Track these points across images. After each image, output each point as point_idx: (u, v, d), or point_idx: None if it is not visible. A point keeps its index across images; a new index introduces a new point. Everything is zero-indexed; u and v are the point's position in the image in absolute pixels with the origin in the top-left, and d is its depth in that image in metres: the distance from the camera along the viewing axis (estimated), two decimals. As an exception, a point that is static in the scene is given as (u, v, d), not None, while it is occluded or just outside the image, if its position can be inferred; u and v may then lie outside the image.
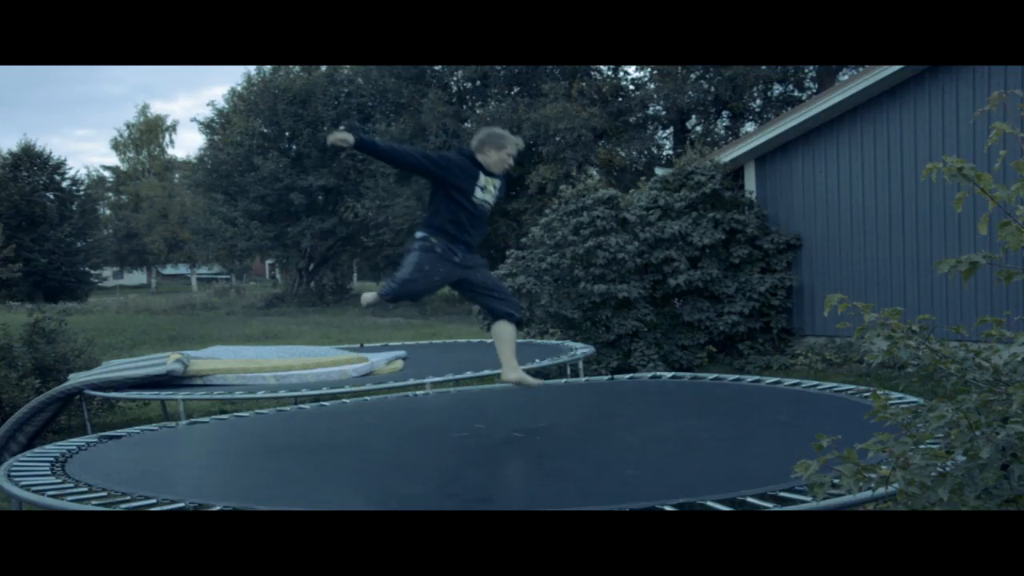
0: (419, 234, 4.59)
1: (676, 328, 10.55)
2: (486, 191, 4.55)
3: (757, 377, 6.53)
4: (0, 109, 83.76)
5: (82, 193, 39.54)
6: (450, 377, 7.21)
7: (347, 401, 6.78)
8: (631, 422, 5.35)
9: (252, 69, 30.41)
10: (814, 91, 22.18)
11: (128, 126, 53.97)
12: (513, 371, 4.78)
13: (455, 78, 25.12)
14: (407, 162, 4.59)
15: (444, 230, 4.52)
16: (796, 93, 23.07)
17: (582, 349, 8.36)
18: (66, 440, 5.46)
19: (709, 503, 3.18)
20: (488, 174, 4.55)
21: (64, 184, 37.84)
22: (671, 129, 24.43)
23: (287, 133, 29.44)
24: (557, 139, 21.22)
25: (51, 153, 38.90)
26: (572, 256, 10.10)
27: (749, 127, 23.56)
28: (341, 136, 4.28)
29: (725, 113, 24.21)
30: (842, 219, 10.37)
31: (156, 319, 23.32)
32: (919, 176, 9.47)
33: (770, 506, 3.10)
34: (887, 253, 9.93)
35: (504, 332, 4.75)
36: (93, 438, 5.41)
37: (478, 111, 24.36)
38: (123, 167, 53.36)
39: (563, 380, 7.21)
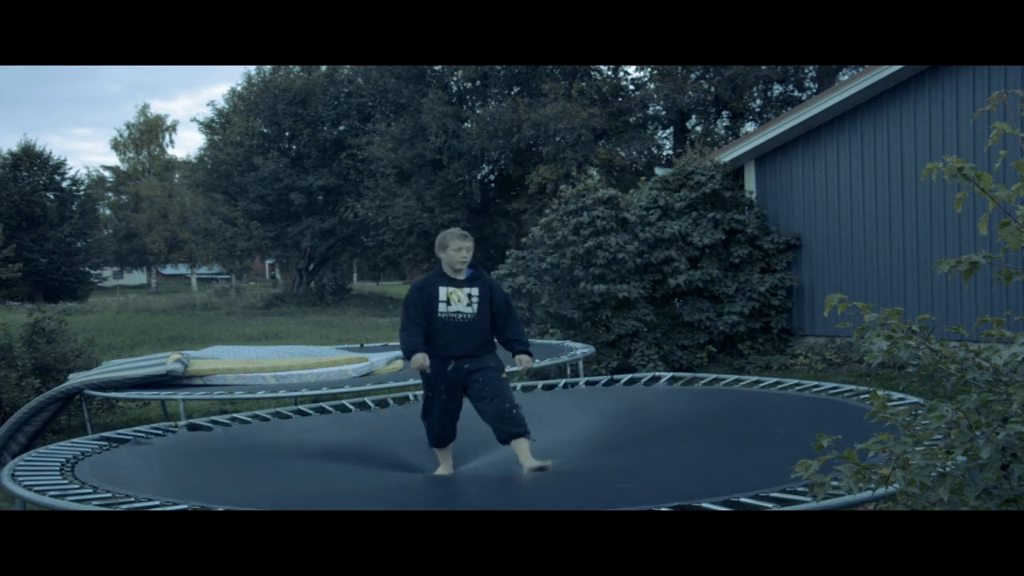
0: None
1: (676, 328, 10.55)
2: (452, 303, 4.55)
3: (757, 378, 6.53)
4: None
5: (82, 193, 39.51)
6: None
7: (347, 404, 6.78)
8: (630, 425, 5.35)
9: (252, 69, 30.42)
10: (814, 91, 22.17)
11: (128, 126, 53.99)
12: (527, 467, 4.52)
13: (455, 78, 25.10)
14: (422, 321, 4.57)
15: (431, 352, 4.56)
16: (796, 93, 23.06)
17: (582, 349, 8.36)
18: (67, 440, 5.46)
19: (708, 506, 3.18)
20: (455, 284, 4.58)
21: (64, 184, 37.80)
22: (671, 129, 24.42)
23: (287, 133, 29.42)
24: (557, 139, 21.22)
25: (51, 153, 38.91)
26: (572, 256, 10.10)
27: (749, 127, 23.56)
28: (421, 358, 4.47)
29: (725, 113, 24.20)
30: (842, 219, 10.36)
31: (156, 319, 23.32)
32: (919, 176, 9.47)
33: (770, 507, 3.11)
34: (887, 253, 9.93)
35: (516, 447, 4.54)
36: (95, 439, 5.41)
37: (478, 111, 24.35)
38: (123, 167, 53.34)
39: (562, 381, 7.21)
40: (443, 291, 4.56)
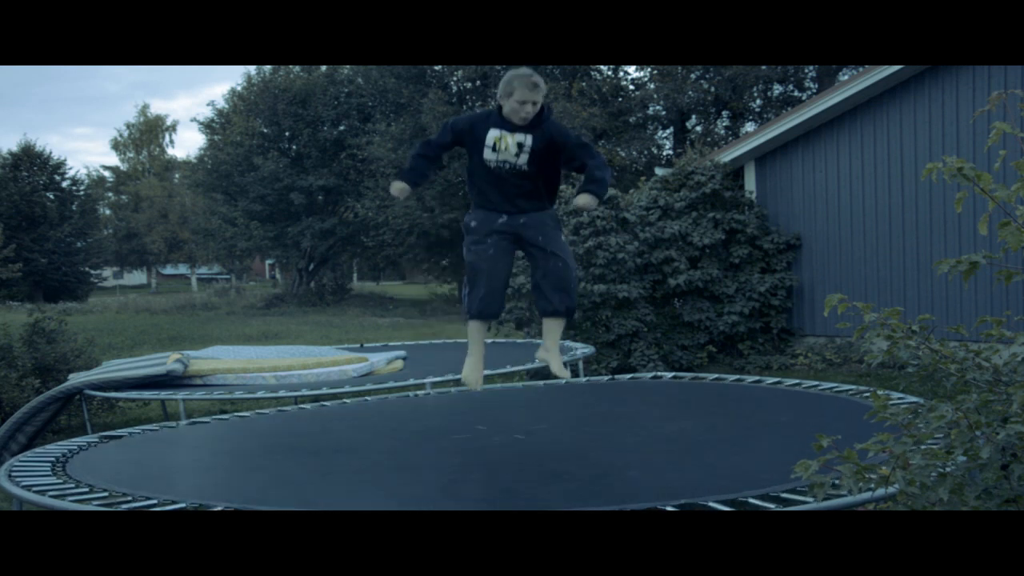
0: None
1: (676, 328, 10.55)
2: (501, 150, 3.88)
3: (758, 378, 6.53)
4: None
5: (82, 193, 39.54)
6: (450, 377, 7.21)
7: (347, 401, 6.78)
8: (632, 423, 5.35)
9: (252, 69, 30.45)
10: (814, 91, 22.18)
11: (128, 126, 54.04)
12: (548, 354, 4.22)
13: (455, 78, 25.12)
14: (432, 152, 4.10)
15: (475, 202, 4.05)
16: (796, 93, 23.08)
17: (582, 349, 8.36)
18: (66, 440, 5.46)
19: (711, 504, 3.19)
20: (507, 128, 3.89)
21: (64, 184, 37.84)
22: (671, 129, 24.43)
23: (287, 133, 29.44)
24: (557, 139, 21.19)
25: (51, 153, 38.95)
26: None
27: (749, 127, 23.57)
28: (399, 187, 4.04)
29: (725, 113, 24.21)
30: (842, 219, 10.37)
31: (156, 319, 23.32)
32: (919, 176, 9.47)
33: (771, 507, 3.11)
34: (887, 253, 9.93)
35: (549, 325, 4.15)
36: (94, 438, 5.41)
37: (478, 111, 24.35)
38: (123, 167, 53.38)
39: (563, 381, 7.21)
40: (492, 134, 3.89)
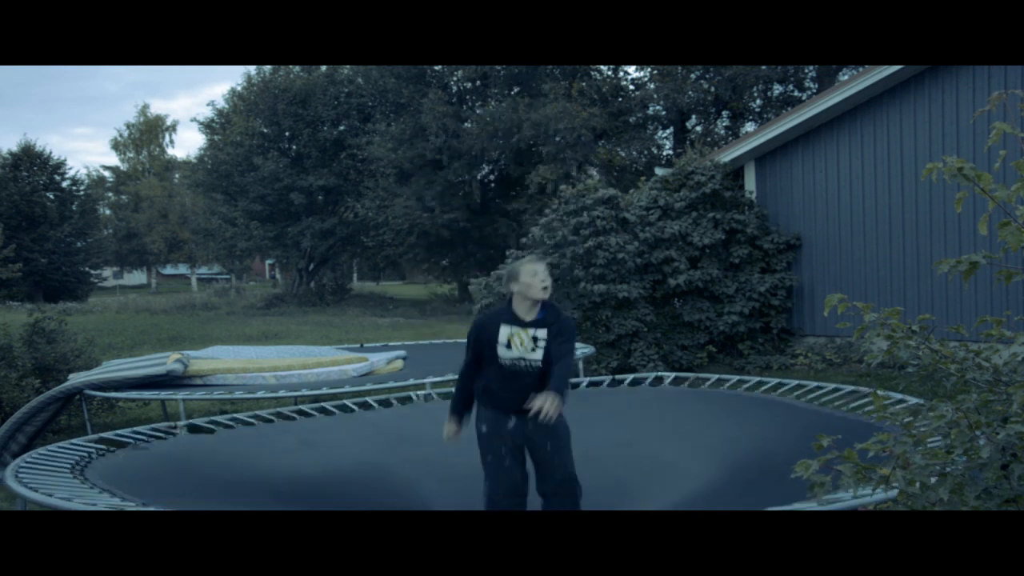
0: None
1: (676, 328, 10.55)
2: (515, 347, 3.80)
3: (759, 379, 6.53)
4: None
5: (82, 193, 39.53)
6: (450, 377, 7.21)
7: (348, 402, 6.78)
8: (632, 424, 5.36)
9: (252, 69, 30.44)
10: (814, 91, 22.18)
11: (128, 126, 54.05)
12: None
13: (455, 78, 25.11)
14: (469, 376, 4.00)
15: (482, 401, 3.97)
16: (796, 93, 23.07)
17: (582, 349, 8.36)
18: (66, 440, 5.46)
19: (710, 504, 3.19)
20: (520, 324, 3.83)
21: (64, 184, 37.83)
22: (671, 129, 24.42)
23: (287, 133, 29.43)
24: (557, 139, 21.22)
25: (51, 153, 38.97)
26: (572, 256, 10.10)
27: (749, 127, 23.57)
28: (451, 429, 3.99)
29: (725, 113, 24.20)
30: (842, 219, 10.37)
31: (156, 319, 23.32)
32: (919, 176, 9.47)
33: (772, 507, 3.11)
34: (887, 253, 9.93)
35: None
36: (94, 439, 5.41)
37: (478, 111, 24.36)
38: (123, 167, 53.37)
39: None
40: (504, 331, 3.81)
